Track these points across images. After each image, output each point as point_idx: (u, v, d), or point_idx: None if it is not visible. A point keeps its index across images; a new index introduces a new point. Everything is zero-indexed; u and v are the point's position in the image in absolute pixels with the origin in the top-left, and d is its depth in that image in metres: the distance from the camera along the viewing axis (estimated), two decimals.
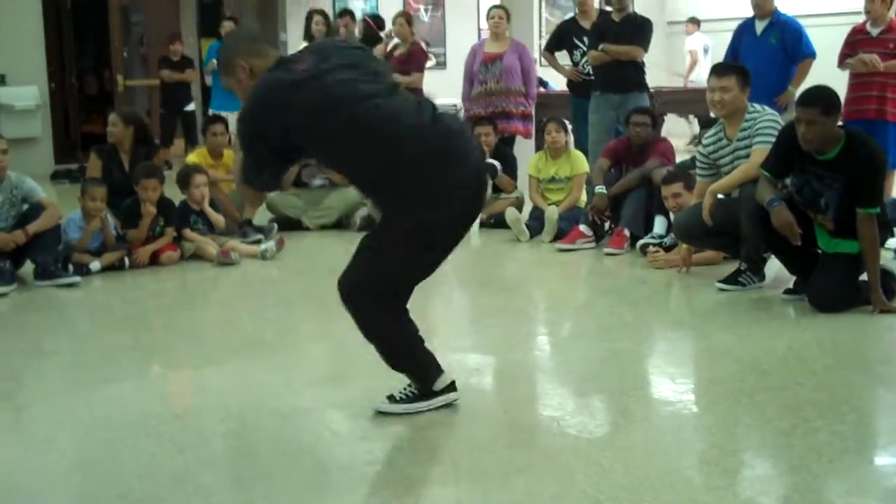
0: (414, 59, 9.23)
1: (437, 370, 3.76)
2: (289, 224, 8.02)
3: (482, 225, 7.89)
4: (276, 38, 14.34)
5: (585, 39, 8.62)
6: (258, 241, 7.30)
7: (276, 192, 8.23)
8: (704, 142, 6.09)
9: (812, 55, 7.73)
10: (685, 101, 11.18)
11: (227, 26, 11.13)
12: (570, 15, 9.52)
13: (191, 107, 12.54)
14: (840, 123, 5.08)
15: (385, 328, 3.63)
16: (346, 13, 10.64)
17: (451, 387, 3.78)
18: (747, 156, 5.69)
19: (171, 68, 12.27)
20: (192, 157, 8.23)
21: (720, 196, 5.80)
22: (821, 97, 4.95)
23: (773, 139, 5.44)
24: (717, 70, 5.94)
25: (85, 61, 15.15)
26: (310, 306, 5.67)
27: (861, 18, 7.84)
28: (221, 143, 8.18)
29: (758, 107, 5.87)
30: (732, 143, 5.82)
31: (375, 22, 10.16)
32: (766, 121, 5.71)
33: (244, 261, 6.85)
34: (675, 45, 15.62)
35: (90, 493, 3.11)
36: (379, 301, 3.56)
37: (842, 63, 7.75)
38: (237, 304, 6.04)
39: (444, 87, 12.93)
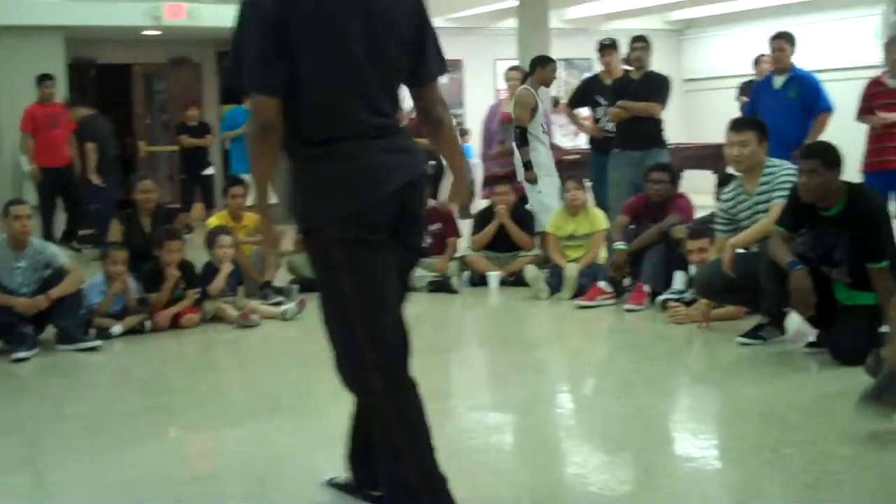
0: None
1: None
2: (310, 285, 8.03)
3: (502, 283, 7.89)
4: None
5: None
6: (279, 303, 7.31)
7: (298, 254, 8.27)
8: (723, 197, 6.09)
9: (829, 109, 7.77)
10: (704, 156, 11.20)
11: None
12: (592, 73, 9.57)
13: (209, 171, 12.65)
14: (845, 179, 5.09)
15: None
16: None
17: None
18: (766, 210, 5.69)
19: (189, 134, 12.40)
20: (213, 220, 8.28)
21: (740, 250, 5.79)
22: (822, 149, 5.02)
23: None
24: (735, 125, 5.95)
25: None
26: (329, 367, 5.62)
27: (876, 72, 7.87)
28: (241, 204, 8.23)
29: (776, 161, 5.88)
30: (752, 197, 5.83)
31: None
32: (785, 175, 5.71)
33: (265, 322, 6.87)
34: (693, 102, 15.69)
35: None
36: None
37: (861, 116, 7.78)
38: (257, 366, 6.04)
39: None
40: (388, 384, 2.95)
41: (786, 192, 5.54)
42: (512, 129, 8.62)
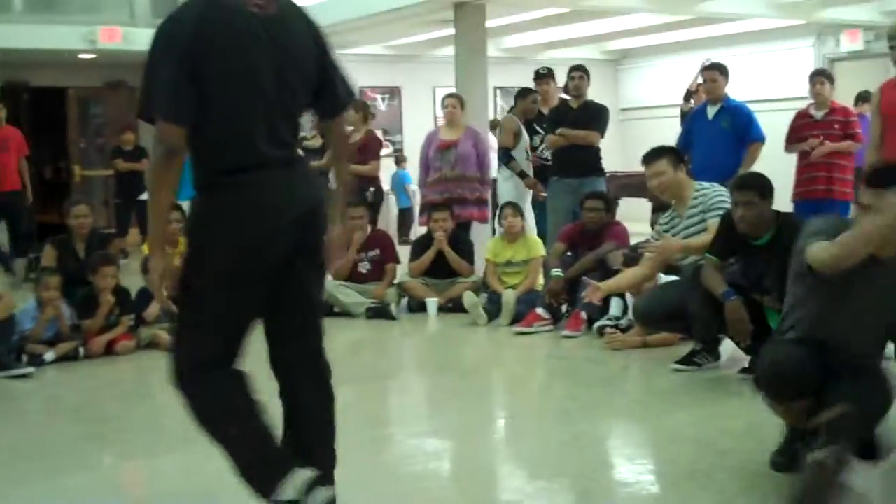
0: (369, 148, 9.29)
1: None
2: None
3: (440, 309, 7.90)
4: None
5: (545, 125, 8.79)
6: None
7: None
8: (661, 221, 6.18)
9: (761, 139, 7.89)
10: (640, 185, 11.34)
11: None
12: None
13: (145, 196, 12.49)
14: (776, 209, 5.18)
15: None
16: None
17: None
18: (698, 231, 5.77)
19: (125, 158, 12.27)
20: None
21: (674, 278, 5.86)
22: (756, 181, 5.09)
23: None
24: (646, 158, 6.02)
25: (42, 152, 15.14)
26: (270, 393, 5.61)
27: (804, 104, 8.06)
28: (176, 230, 8.14)
29: (705, 184, 5.97)
30: (684, 220, 5.91)
31: None
32: (718, 196, 5.80)
33: None
34: (629, 130, 15.88)
35: None
36: None
37: (788, 146, 7.95)
38: None
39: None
40: (213, 385, 3.17)
41: (722, 212, 5.61)
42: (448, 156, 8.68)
